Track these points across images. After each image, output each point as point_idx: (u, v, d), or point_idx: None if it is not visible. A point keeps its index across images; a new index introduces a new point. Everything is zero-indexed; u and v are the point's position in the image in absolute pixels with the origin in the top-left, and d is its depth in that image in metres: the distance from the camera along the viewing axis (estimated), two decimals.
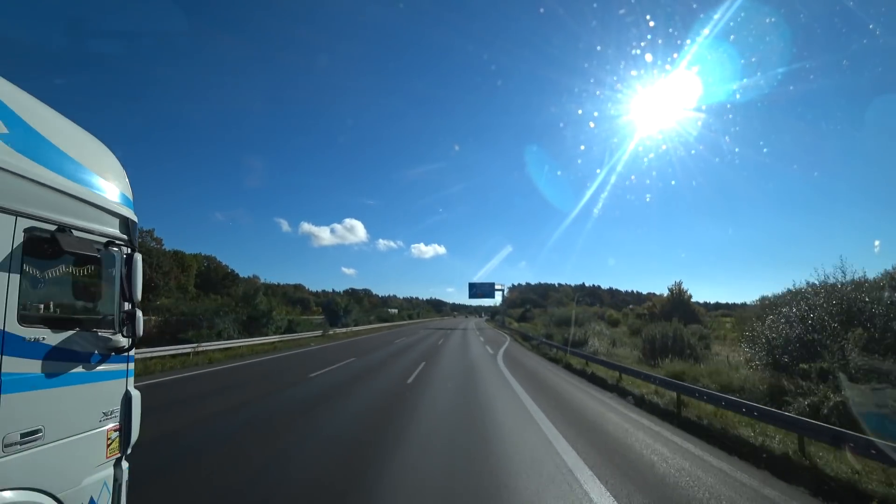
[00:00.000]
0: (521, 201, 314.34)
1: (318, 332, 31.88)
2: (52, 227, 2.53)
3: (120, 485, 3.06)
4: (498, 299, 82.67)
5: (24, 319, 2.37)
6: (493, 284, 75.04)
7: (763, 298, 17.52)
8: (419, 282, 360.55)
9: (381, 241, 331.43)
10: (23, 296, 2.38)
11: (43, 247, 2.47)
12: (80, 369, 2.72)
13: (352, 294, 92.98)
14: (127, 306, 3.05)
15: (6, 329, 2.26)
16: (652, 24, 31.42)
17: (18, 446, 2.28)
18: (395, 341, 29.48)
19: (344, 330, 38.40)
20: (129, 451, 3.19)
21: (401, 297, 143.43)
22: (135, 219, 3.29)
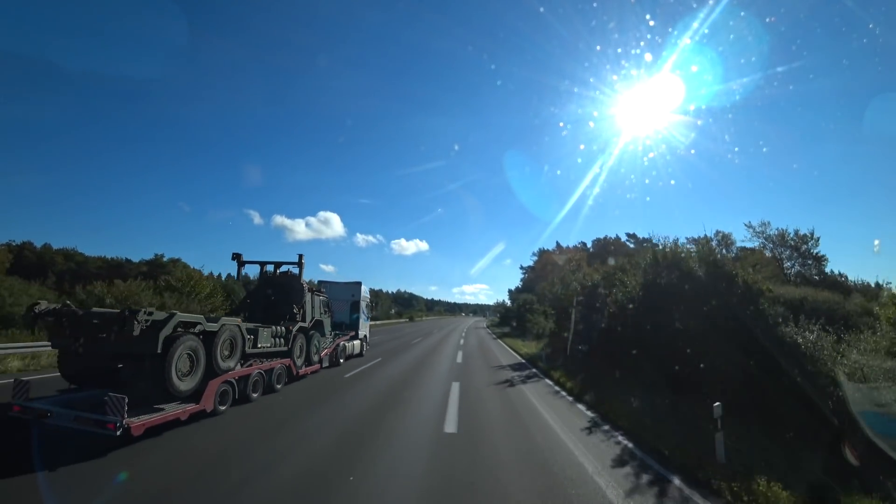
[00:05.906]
0: (513, 200, 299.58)
1: None
2: (364, 302, 19.95)
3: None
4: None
5: (366, 311, 20.18)
6: None
7: None
8: (407, 279, 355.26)
9: (359, 235, 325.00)
10: (363, 312, 19.80)
11: (367, 305, 20.28)
12: (366, 319, 20.39)
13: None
14: (371, 308, 20.72)
15: (365, 315, 19.93)
16: (652, 23, 31.97)
17: (364, 326, 19.85)
18: None
19: None
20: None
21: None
22: (367, 293, 20.55)
